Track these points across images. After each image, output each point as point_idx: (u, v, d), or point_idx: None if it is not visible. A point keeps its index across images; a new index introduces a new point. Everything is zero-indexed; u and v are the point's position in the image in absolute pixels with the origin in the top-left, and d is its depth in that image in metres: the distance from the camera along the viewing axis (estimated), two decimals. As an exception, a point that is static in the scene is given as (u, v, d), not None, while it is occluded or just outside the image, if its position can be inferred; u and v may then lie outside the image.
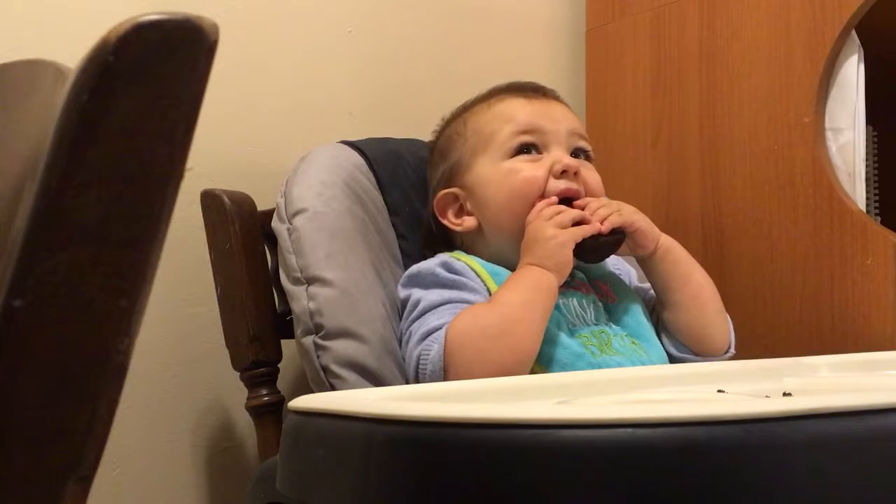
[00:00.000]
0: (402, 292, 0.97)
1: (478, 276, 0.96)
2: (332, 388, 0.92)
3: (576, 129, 1.03)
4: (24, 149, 0.44)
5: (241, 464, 1.15)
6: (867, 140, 1.14)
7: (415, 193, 1.08)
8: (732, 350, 1.03)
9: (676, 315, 1.01)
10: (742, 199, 1.17)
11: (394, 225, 1.06)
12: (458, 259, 0.97)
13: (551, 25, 1.47)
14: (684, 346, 1.01)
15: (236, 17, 1.17)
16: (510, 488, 0.48)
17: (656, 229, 1.00)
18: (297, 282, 0.95)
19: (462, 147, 1.02)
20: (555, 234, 0.93)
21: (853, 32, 1.09)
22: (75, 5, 1.05)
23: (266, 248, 1.04)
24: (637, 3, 1.33)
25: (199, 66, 0.37)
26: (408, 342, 0.92)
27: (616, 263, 1.09)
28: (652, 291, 1.04)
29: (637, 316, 1.01)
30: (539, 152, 1.00)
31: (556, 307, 0.93)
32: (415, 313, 0.93)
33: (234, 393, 1.10)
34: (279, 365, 1.02)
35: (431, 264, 0.97)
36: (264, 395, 1.00)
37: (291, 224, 0.97)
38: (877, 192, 1.31)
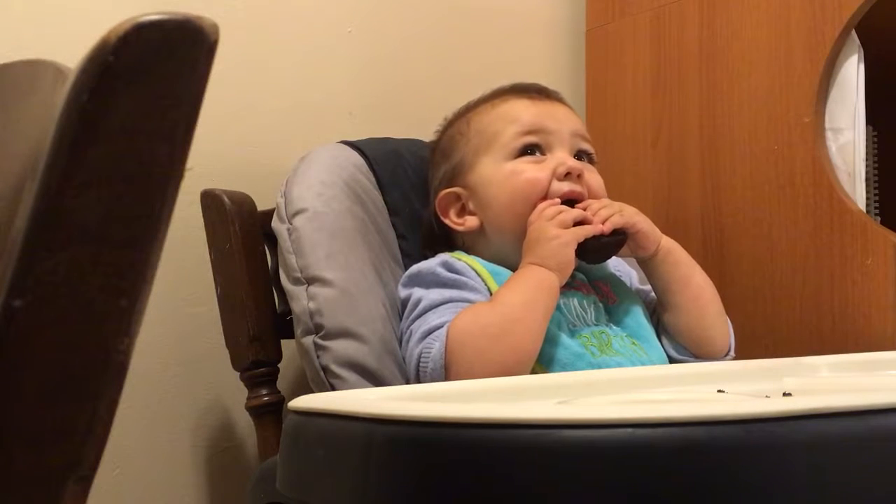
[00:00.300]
0: (403, 292, 0.97)
1: (478, 275, 0.96)
2: (332, 388, 0.92)
3: (579, 131, 1.03)
4: (24, 149, 0.44)
5: (241, 464, 1.15)
6: (867, 140, 1.14)
7: (415, 193, 1.08)
8: (732, 353, 1.02)
9: (677, 317, 1.01)
10: (742, 199, 1.17)
11: (394, 225, 1.06)
12: (459, 259, 0.97)
13: (551, 25, 1.47)
14: (684, 349, 1.01)
15: (236, 17, 1.17)
16: (510, 488, 0.48)
17: (658, 231, 1.00)
18: (297, 282, 0.95)
19: (465, 147, 1.02)
20: (557, 233, 0.93)
21: (853, 32, 1.09)
22: (75, 5, 1.05)
23: (266, 248, 1.04)
24: (637, 3, 1.33)
25: (199, 66, 0.37)
26: (408, 341, 0.92)
27: (617, 265, 1.09)
28: (653, 293, 1.04)
29: (637, 317, 1.01)
30: (542, 154, 1.00)
31: (557, 307, 0.93)
32: (415, 312, 0.93)
33: (234, 393, 1.10)
34: (279, 365, 1.02)
35: (432, 264, 0.97)
36: (264, 395, 1.00)
37: (291, 224, 0.97)
38: (877, 192, 1.31)
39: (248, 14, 1.18)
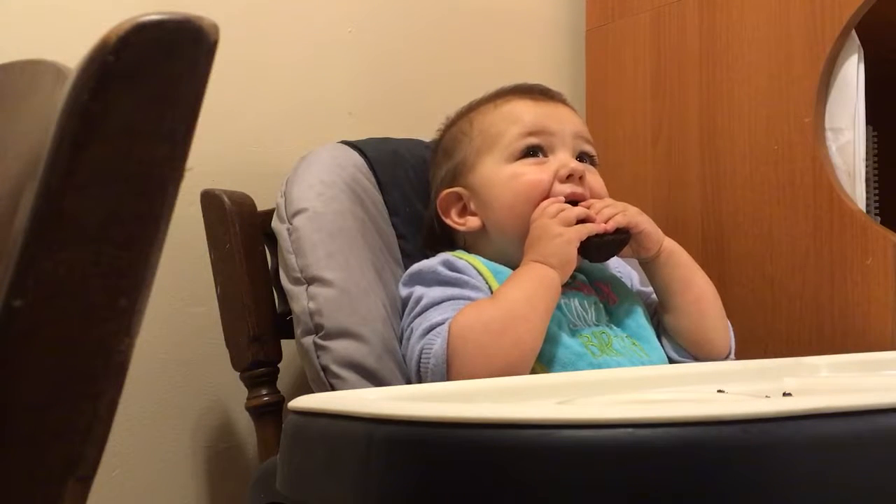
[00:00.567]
0: (404, 290, 0.97)
1: (480, 274, 0.96)
2: (332, 388, 0.92)
3: (581, 132, 1.03)
4: (25, 149, 0.44)
5: (241, 464, 1.15)
6: (867, 140, 1.14)
7: (415, 193, 1.08)
8: (732, 356, 1.02)
9: (677, 319, 1.01)
10: (742, 199, 1.17)
11: (394, 225, 1.06)
12: (460, 258, 0.98)
13: (551, 25, 1.47)
14: (684, 350, 1.01)
15: (236, 17, 1.17)
16: (510, 488, 0.48)
17: (660, 232, 1.00)
18: (297, 282, 0.95)
19: (467, 147, 1.02)
20: (560, 231, 0.93)
21: (853, 32, 1.09)
22: (75, 5, 1.05)
23: (266, 248, 1.04)
24: (637, 3, 1.33)
25: (199, 66, 0.37)
26: (409, 338, 0.92)
27: (617, 265, 1.09)
28: (654, 295, 1.04)
29: (637, 317, 1.01)
30: (545, 155, 1.00)
31: (558, 307, 0.93)
32: (417, 309, 0.93)
33: (234, 393, 1.10)
34: (279, 365, 1.02)
35: (433, 262, 0.97)
36: (264, 395, 1.00)
37: (291, 224, 0.97)
38: (877, 192, 1.31)
39: (248, 14, 1.18)
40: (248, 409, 1.01)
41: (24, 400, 0.37)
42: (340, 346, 0.92)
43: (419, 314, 0.93)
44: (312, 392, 0.84)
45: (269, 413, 1.00)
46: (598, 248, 0.96)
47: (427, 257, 1.00)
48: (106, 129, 0.36)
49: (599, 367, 0.91)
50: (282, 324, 1.02)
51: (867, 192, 1.14)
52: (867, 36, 1.10)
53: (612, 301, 1.02)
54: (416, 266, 0.98)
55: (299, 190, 0.99)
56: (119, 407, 0.39)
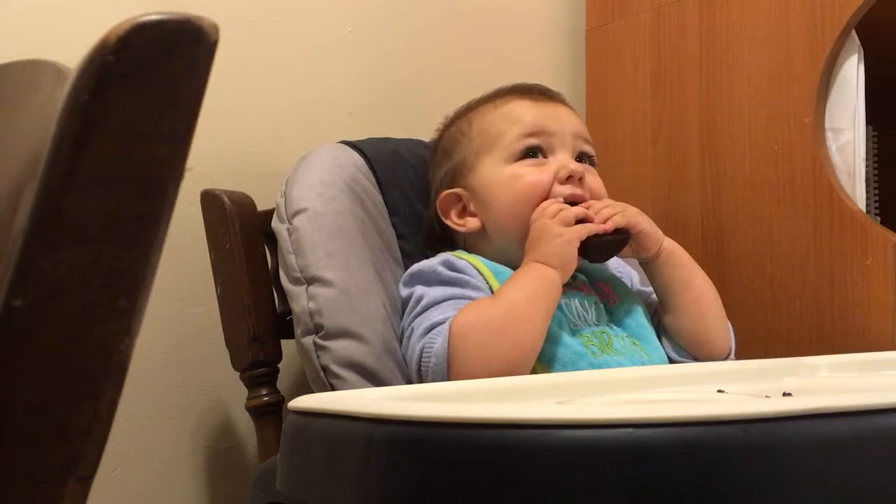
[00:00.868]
0: (404, 290, 0.97)
1: (480, 274, 0.96)
2: (332, 388, 0.92)
3: (581, 132, 1.03)
4: (25, 149, 0.44)
5: (241, 464, 1.15)
6: (867, 140, 1.14)
7: (415, 193, 1.08)
8: (732, 356, 1.02)
9: (677, 319, 1.01)
10: (742, 199, 1.17)
11: (394, 225, 1.05)
12: (461, 258, 0.98)
13: (551, 25, 1.47)
14: (685, 351, 1.01)
15: (236, 17, 1.17)
16: (510, 488, 0.48)
17: (660, 232, 1.01)
18: (297, 282, 0.95)
19: (467, 147, 1.02)
20: (561, 231, 0.93)
21: (853, 32, 1.09)
22: (75, 5, 1.05)
23: (266, 248, 1.04)
24: (637, 3, 1.33)
25: (199, 66, 0.37)
26: (409, 337, 0.92)
27: (618, 266, 1.09)
28: (654, 295, 1.04)
29: (638, 317, 1.01)
30: (545, 156, 1.00)
31: (559, 307, 0.93)
32: (417, 309, 0.93)
33: (234, 393, 1.10)
34: (279, 365, 1.02)
35: (433, 262, 0.97)
36: (264, 395, 1.00)
37: (291, 224, 0.97)
38: (877, 192, 1.31)
39: (248, 14, 1.18)
40: (248, 409, 1.01)
41: (24, 400, 0.37)
42: (340, 346, 0.92)
43: (420, 313, 0.93)
44: (312, 392, 0.84)
45: (269, 413, 1.00)
46: (597, 248, 0.96)
47: (427, 257, 1.00)
48: (106, 129, 0.36)
49: (600, 366, 0.91)
50: (282, 324, 1.02)
51: (867, 192, 1.14)
52: (867, 36, 1.10)
53: (612, 301, 1.02)
54: (416, 266, 0.98)
55: (299, 190, 0.99)
56: (119, 407, 0.39)
